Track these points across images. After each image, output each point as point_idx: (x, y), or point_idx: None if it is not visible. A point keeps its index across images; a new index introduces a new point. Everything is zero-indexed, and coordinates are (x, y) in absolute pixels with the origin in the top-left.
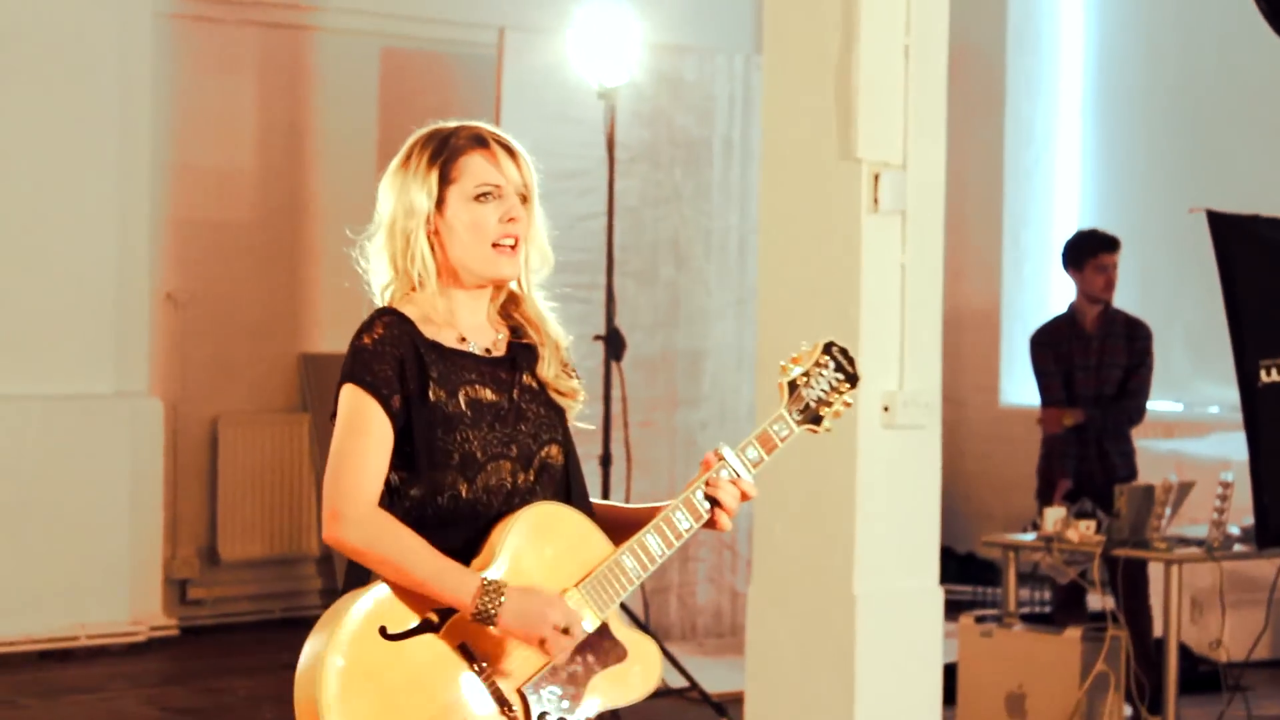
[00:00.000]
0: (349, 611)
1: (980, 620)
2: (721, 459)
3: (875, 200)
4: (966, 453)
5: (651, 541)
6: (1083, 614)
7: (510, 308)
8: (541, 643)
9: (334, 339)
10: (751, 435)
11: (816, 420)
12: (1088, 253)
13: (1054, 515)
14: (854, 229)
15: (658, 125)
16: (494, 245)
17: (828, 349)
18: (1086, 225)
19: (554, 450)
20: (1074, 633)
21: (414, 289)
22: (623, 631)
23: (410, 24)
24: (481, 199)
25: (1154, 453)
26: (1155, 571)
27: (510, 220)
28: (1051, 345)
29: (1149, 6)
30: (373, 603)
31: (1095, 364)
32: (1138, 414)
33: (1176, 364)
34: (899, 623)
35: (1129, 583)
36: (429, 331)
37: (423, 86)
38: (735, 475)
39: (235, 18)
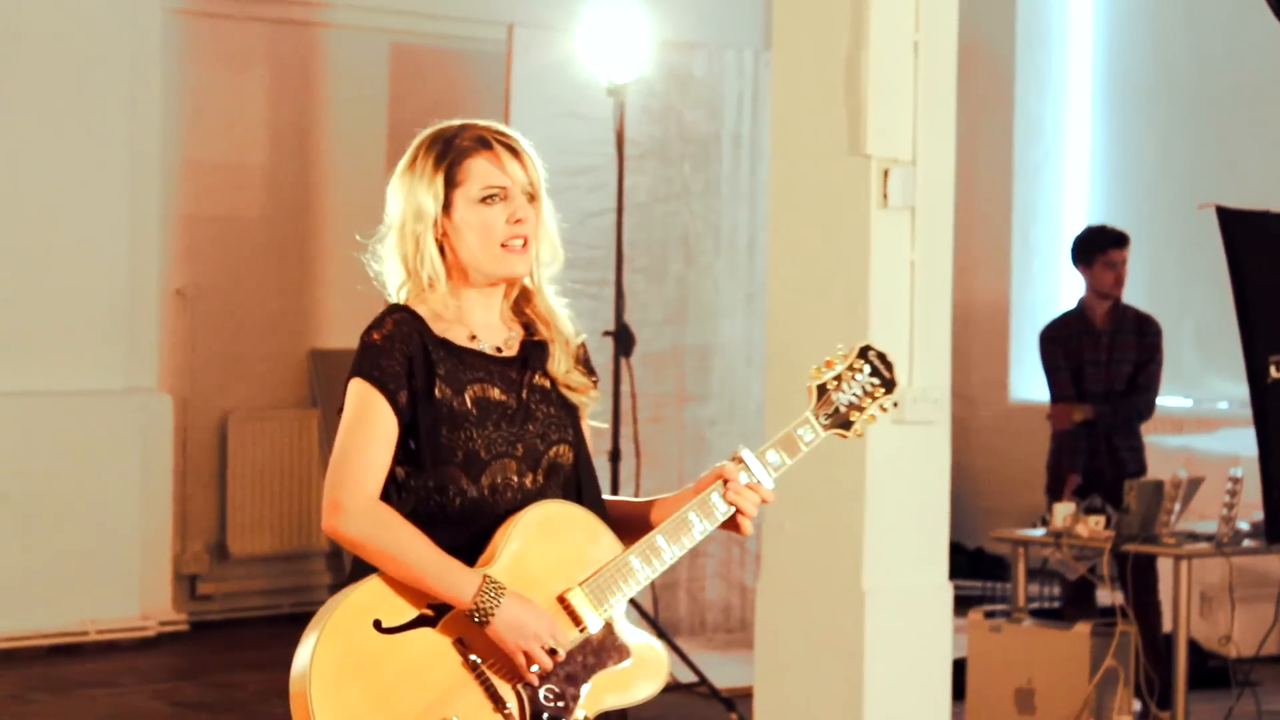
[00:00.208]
0: (343, 604)
1: (989, 615)
2: (741, 462)
3: (884, 196)
4: (976, 448)
5: (662, 542)
6: (1092, 609)
7: (522, 304)
8: (524, 654)
9: (343, 335)
10: (774, 439)
11: (846, 425)
12: (1097, 249)
13: (1063, 511)
14: (863, 225)
15: (667, 121)
16: (503, 246)
17: (864, 353)
18: (1096, 221)
19: (563, 450)
20: (1083, 628)
21: (426, 288)
22: (627, 632)
23: (419, 20)
24: (488, 201)
25: (1163, 448)
26: (1165, 567)
27: (517, 221)
28: (1061, 341)
29: (1158, 2)
30: (368, 595)
31: (1105, 360)
32: (1147, 409)
33: (1186, 359)
34: (908, 618)
35: (1138, 578)
36: (439, 329)
37: (432, 83)
38: (754, 479)
39: (245, 14)
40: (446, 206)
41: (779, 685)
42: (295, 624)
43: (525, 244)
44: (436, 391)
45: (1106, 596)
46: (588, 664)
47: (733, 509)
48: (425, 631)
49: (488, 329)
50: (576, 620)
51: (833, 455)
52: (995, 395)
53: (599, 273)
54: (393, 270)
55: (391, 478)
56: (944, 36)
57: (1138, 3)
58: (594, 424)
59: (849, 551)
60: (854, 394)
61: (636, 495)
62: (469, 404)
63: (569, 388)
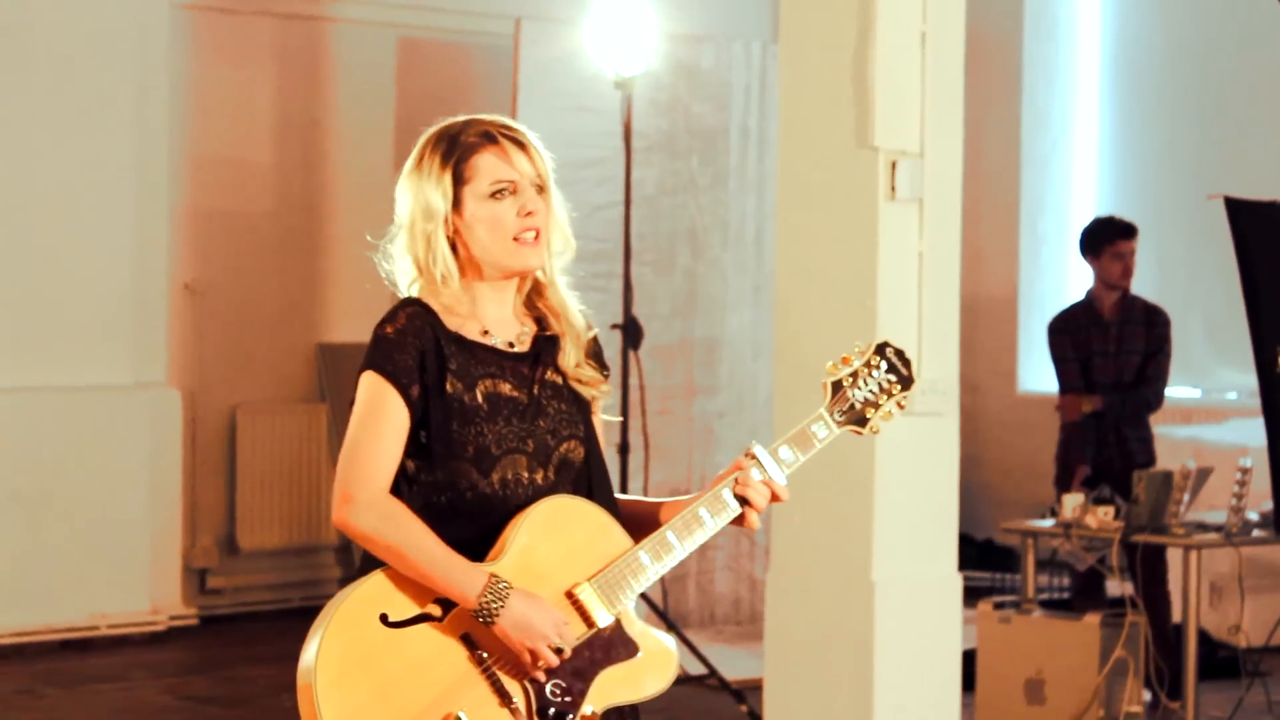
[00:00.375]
0: (350, 598)
1: (999, 607)
2: (753, 458)
3: (892, 188)
4: (985, 440)
5: (672, 538)
6: (1101, 600)
7: (535, 297)
8: (531, 653)
9: (352, 329)
10: (788, 435)
11: (861, 422)
12: (1105, 240)
13: (1072, 501)
14: (871, 217)
15: (674, 114)
16: (515, 239)
17: (881, 349)
18: (1104, 212)
19: (574, 446)
20: (1093, 619)
21: (440, 285)
22: (636, 628)
23: (427, 14)
24: (497, 196)
25: (1172, 439)
26: (1174, 557)
27: (528, 214)
28: (1069, 332)
29: None
30: (374, 589)
31: (1113, 350)
32: (1156, 400)
33: (1195, 350)
34: (918, 610)
35: (1148, 568)
36: (452, 323)
37: (439, 77)
38: (766, 475)
39: (252, 9)
40: (456, 204)
41: (789, 677)
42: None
43: (537, 236)
44: (448, 386)
45: (1116, 587)
46: (596, 659)
47: (741, 507)
48: (432, 626)
49: (501, 324)
50: (585, 616)
51: (841, 448)
52: (1004, 386)
53: (607, 265)
54: (404, 269)
55: (402, 471)
56: (951, 28)
57: None
58: (606, 418)
59: (858, 543)
60: (870, 391)
61: (645, 488)
62: (480, 399)
63: (579, 381)
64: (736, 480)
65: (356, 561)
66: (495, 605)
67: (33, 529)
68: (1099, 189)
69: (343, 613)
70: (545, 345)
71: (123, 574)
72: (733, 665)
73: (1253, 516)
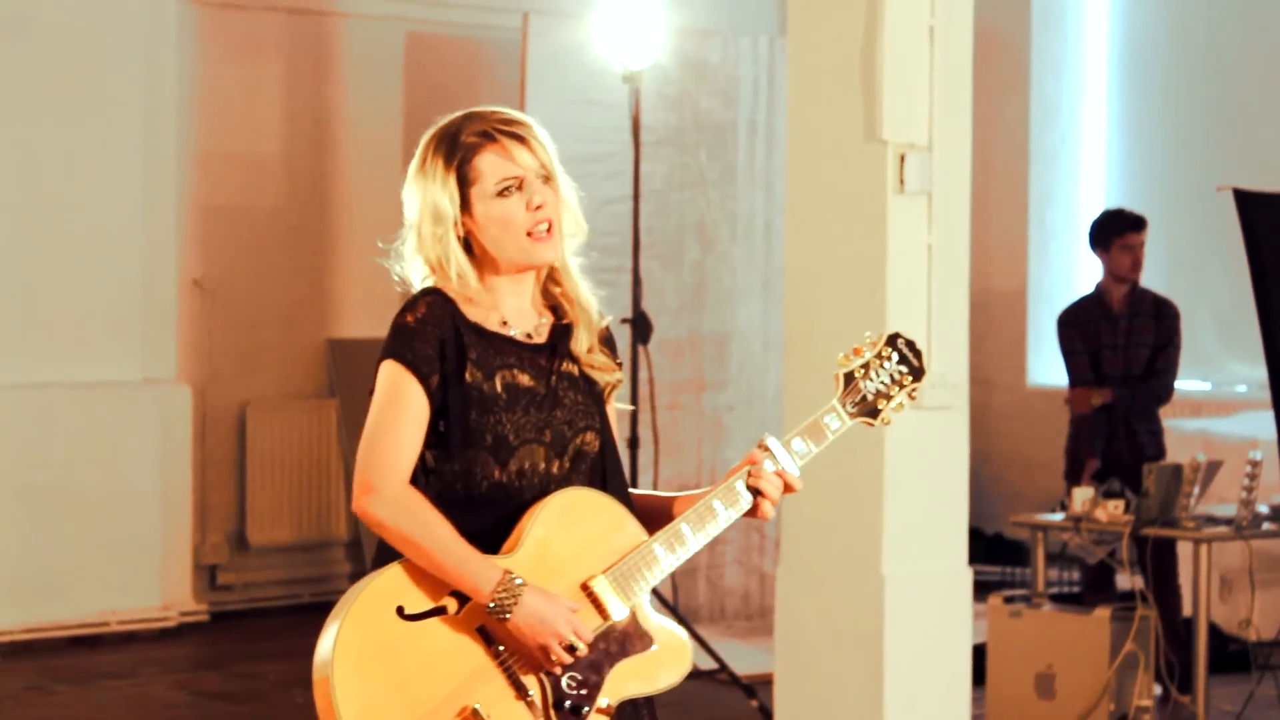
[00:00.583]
0: (367, 589)
1: (1009, 601)
2: (766, 449)
3: (901, 182)
4: (994, 433)
5: (686, 530)
6: (1112, 594)
7: (549, 284)
8: (544, 650)
9: (361, 324)
10: (800, 426)
11: (873, 413)
12: (1114, 232)
13: (1082, 495)
14: (880, 211)
15: (683, 108)
16: (528, 235)
17: (892, 341)
18: (1113, 205)
19: (590, 438)
20: (1103, 612)
21: (455, 281)
22: (651, 620)
23: (434, 8)
24: (505, 194)
25: (1182, 432)
26: (1184, 550)
27: (538, 208)
28: (1079, 325)
29: None
30: (392, 582)
31: (1123, 344)
32: (1166, 393)
33: (1204, 343)
34: (928, 604)
35: (1158, 562)
36: (471, 313)
37: (447, 71)
38: (780, 466)
39: (260, 4)
40: (465, 205)
41: (799, 671)
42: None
43: (550, 228)
44: (467, 375)
45: (1126, 581)
46: (611, 652)
47: (754, 495)
48: (447, 619)
49: (519, 315)
50: (600, 608)
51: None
52: (1013, 380)
53: (615, 260)
54: (417, 269)
55: (420, 461)
56: (959, 21)
57: None
58: (620, 406)
59: (868, 537)
60: (882, 382)
61: (655, 482)
62: (499, 388)
63: (592, 367)
64: (750, 472)
65: (367, 558)
66: (509, 602)
67: (43, 525)
68: (1108, 182)
69: (360, 605)
70: (561, 336)
71: (133, 570)
72: (743, 660)
73: (1263, 509)
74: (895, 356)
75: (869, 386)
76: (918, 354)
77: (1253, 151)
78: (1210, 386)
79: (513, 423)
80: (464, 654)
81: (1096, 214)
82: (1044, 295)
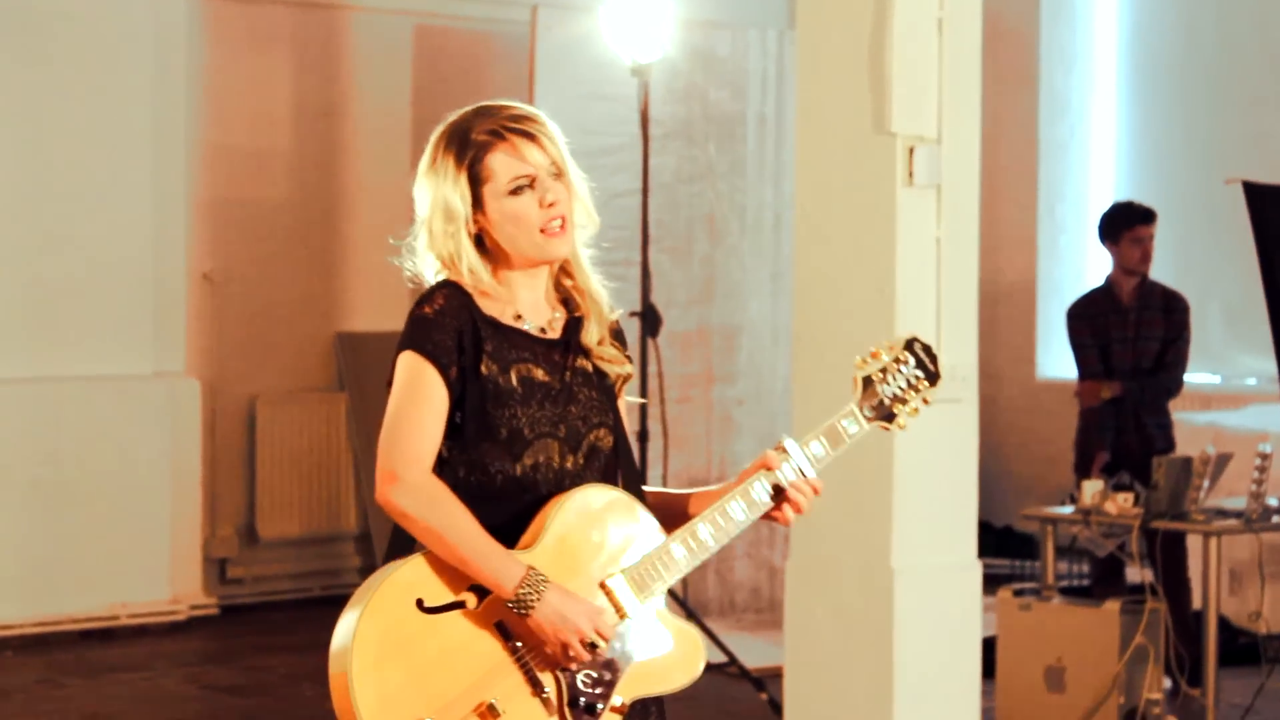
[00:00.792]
0: (387, 581)
1: (1019, 594)
2: (784, 452)
3: (910, 174)
4: (1004, 426)
5: (704, 531)
6: (1121, 587)
7: (561, 277)
8: (564, 647)
9: (370, 318)
10: (818, 429)
11: (890, 418)
12: (1124, 225)
13: (1092, 488)
14: (889, 203)
15: (691, 101)
16: (542, 231)
17: (909, 345)
18: (1122, 197)
19: (603, 434)
20: (1113, 605)
21: (468, 277)
22: (667, 620)
23: (443, 2)
24: (517, 192)
25: (1192, 425)
26: (1194, 544)
27: (551, 204)
28: (1088, 318)
29: None
30: (412, 574)
31: (1132, 337)
32: (1175, 386)
33: (1214, 336)
34: (937, 597)
35: (1167, 555)
36: (486, 306)
37: (456, 64)
38: (800, 471)
39: None
40: (478, 203)
41: (809, 665)
42: (325, 607)
43: (564, 224)
44: (483, 368)
45: (1135, 574)
46: (626, 651)
47: (772, 502)
48: (467, 613)
49: (533, 309)
50: (617, 606)
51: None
52: (1023, 373)
53: (624, 253)
54: (429, 264)
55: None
56: (968, 13)
57: None
58: (630, 399)
59: (877, 531)
60: (899, 386)
61: (664, 475)
62: (514, 382)
63: (603, 359)
64: (780, 479)
65: (377, 551)
66: (532, 598)
67: (53, 519)
68: (1117, 174)
69: (380, 596)
70: (574, 331)
71: (143, 564)
72: (753, 653)
73: (1273, 502)
74: (912, 361)
75: (886, 391)
76: (934, 359)
77: (1262, 144)
78: (1220, 379)
79: (528, 417)
80: (482, 649)
81: (1106, 207)
82: (1053, 288)
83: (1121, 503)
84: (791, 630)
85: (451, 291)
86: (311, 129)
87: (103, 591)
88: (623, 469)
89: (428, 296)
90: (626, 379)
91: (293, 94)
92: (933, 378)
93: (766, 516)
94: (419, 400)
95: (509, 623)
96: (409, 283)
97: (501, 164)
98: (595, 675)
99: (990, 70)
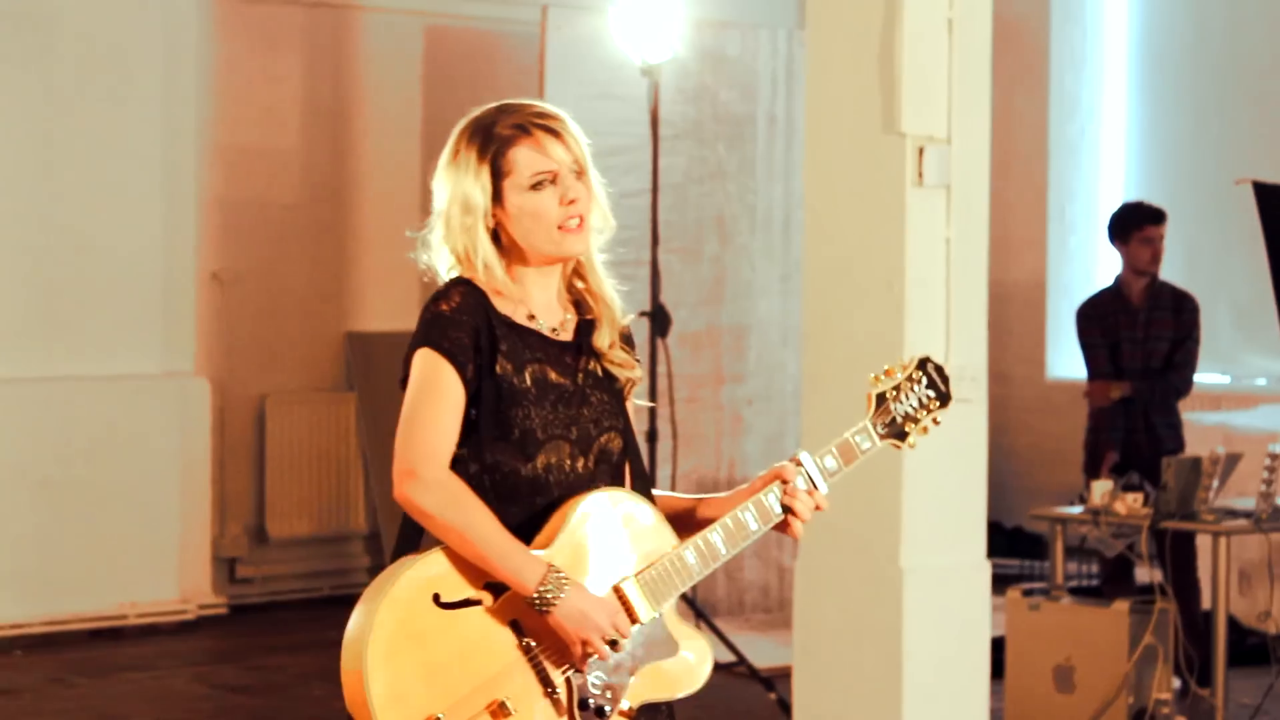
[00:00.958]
0: (405, 575)
1: (1028, 594)
2: (799, 465)
3: (919, 174)
4: (1013, 426)
5: (717, 540)
6: (1130, 587)
7: (574, 279)
8: (583, 645)
9: (380, 317)
10: (831, 444)
11: (901, 436)
12: (1134, 225)
13: (1101, 488)
14: (898, 203)
15: (701, 101)
16: (560, 228)
17: (922, 365)
18: (1132, 198)
19: (613, 437)
20: (1122, 605)
21: (482, 273)
22: (676, 626)
23: (453, 2)
24: (538, 187)
25: (1201, 425)
26: (1203, 544)
27: (571, 202)
28: (1098, 318)
29: None
30: (429, 569)
31: (1142, 337)
32: (1185, 386)
33: (1223, 336)
34: (946, 597)
35: (1177, 555)
36: (500, 305)
37: (466, 65)
38: (812, 484)
39: None
40: (498, 197)
41: (817, 665)
42: (334, 606)
43: (581, 222)
44: (498, 367)
45: (1145, 574)
46: (636, 656)
47: (784, 513)
48: (482, 610)
49: (546, 309)
50: (630, 611)
51: None
52: (1032, 373)
53: (634, 253)
54: (442, 259)
55: None
56: (978, 13)
57: None
58: (638, 402)
59: (887, 531)
60: (911, 405)
61: (674, 475)
62: (528, 382)
63: (613, 363)
64: (785, 490)
65: (386, 551)
66: (553, 595)
67: (62, 518)
68: (1127, 175)
69: (397, 591)
70: (586, 333)
71: (152, 563)
72: (762, 653)
73: None
74: (924, 381)
75: (899, 409)
76: (945, 380)
77: (1272, 144)
78: (1229, 379)
79: (541, 417)
80: (496, 647)
81: (1116, 207)
82: (1063, 288)
83: (1131, 503)
84: (800, 630)
85: (468, 289)
86: (321, 129)
87: (112, 591)
88: (633, 473)
89: (444, 293)
90: (635, 383)
91: (302, 94)
92: (944, 398)
93: (776, 528)
94: (436, 397)
95: (523, 622)
96: (422, 278)
97: (525, 158)
98: (605, 679)
99: (1000, 70)
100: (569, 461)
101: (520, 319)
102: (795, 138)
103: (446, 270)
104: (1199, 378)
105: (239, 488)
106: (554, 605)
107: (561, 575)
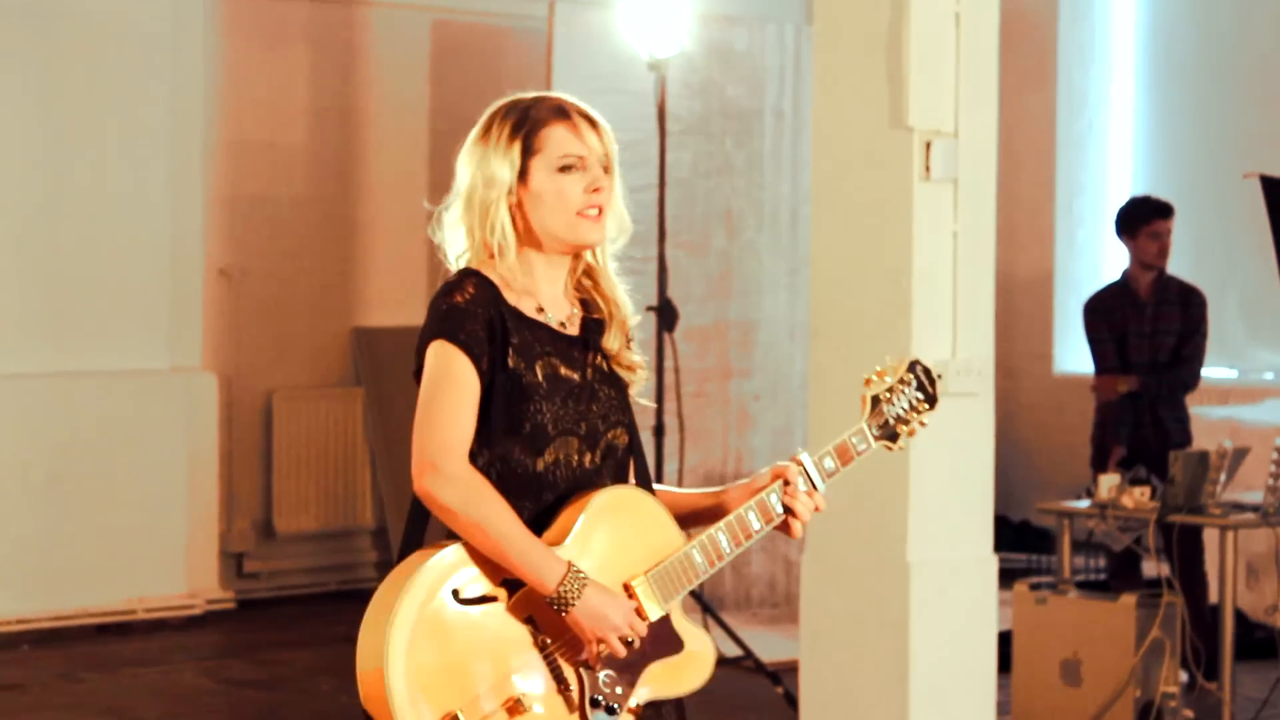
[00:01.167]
0: (425, 568)
1: (1035, 588)
2: (800, 465)
3: (927, 169)
4: (1021, 420)
5: (722, 539)
6: (1138, 581)
7: (584, 280)
8: (601, 643)
9: (387, 312)
10: (830, 446)
11: (893, 437)
12: (1141, 219)
13: (1108, 482)
14: (906, 198)
15: (709, 96)
16: (579, 214)
17: (912, 368)
18: (1140, 192)
19: (620, 434)
20: (1129, 600)
21: (491, 257)
22: (682, 624)
23: None
24: (565, 170)
25: (1208, 419)
26: (1210, 538)
27: (595, 190)
28: (1105, 312)
29: None
30: (449, 563)
31: (1149, 331)
32: (1192, 380)
33: (1231, 330)
34: (953, 591)
35: (1184, 549)
36: (510, 298)
37: (473, 60)
38: (811, 485)
39: None
40: (524, 174)
41: (824, 659)
42: (341, 601)
43: (600, 213)
44: (510, 361)
45: (1152, 568)
46: (645, 653)
47: (785, 513)
48: (499, 606)
49: (553, 302)
50: (639, 609)
51: None
52: (1039, 367)
53: (641, 248)
54: (455, 239)
55: None
56: (986, 7)
57: None
58: (641, 401)
59: (893, 525)
60: (902, 407)
61: (680, 470)
62: (539, 377)
63: (620, 365)
64: (785, 491)
65: (393, 546)
66: (572, 595)
67: (70, 514)
68: (1135, 169)
69: (418, 583)
70: (592, 329)
71: (160, 558)
72: (768, 647)
73: None
74: (914, 383)
75: (891, 411)
76: (933, 382)
77: None
78: (1237, 374)
79: (552, 412)
80: (513, 643)
81: (1123, 201)
82: (1071, 282)
83: (1138, 497)
84: (807, 624)
85: (480, 281)
86: (329, 124)
87: (120, 586)
88: (637, 470)
89: (457, 284)
90: (639, 383)
91: (310, 90)
92: (932, 401)
93: (776, 528)
94: (453, 390)
95: (539, 618)
96: (431, 271)
97: (558, 137)
98: (615, 676)
99: (1008, 64)
100: (576, 457)
101: (530, 312)
102: (803, 132)
103: (455, 256)
104: (1206, 372)
105: (246, 483)
106: (573, 605)
107: (581, 575)
